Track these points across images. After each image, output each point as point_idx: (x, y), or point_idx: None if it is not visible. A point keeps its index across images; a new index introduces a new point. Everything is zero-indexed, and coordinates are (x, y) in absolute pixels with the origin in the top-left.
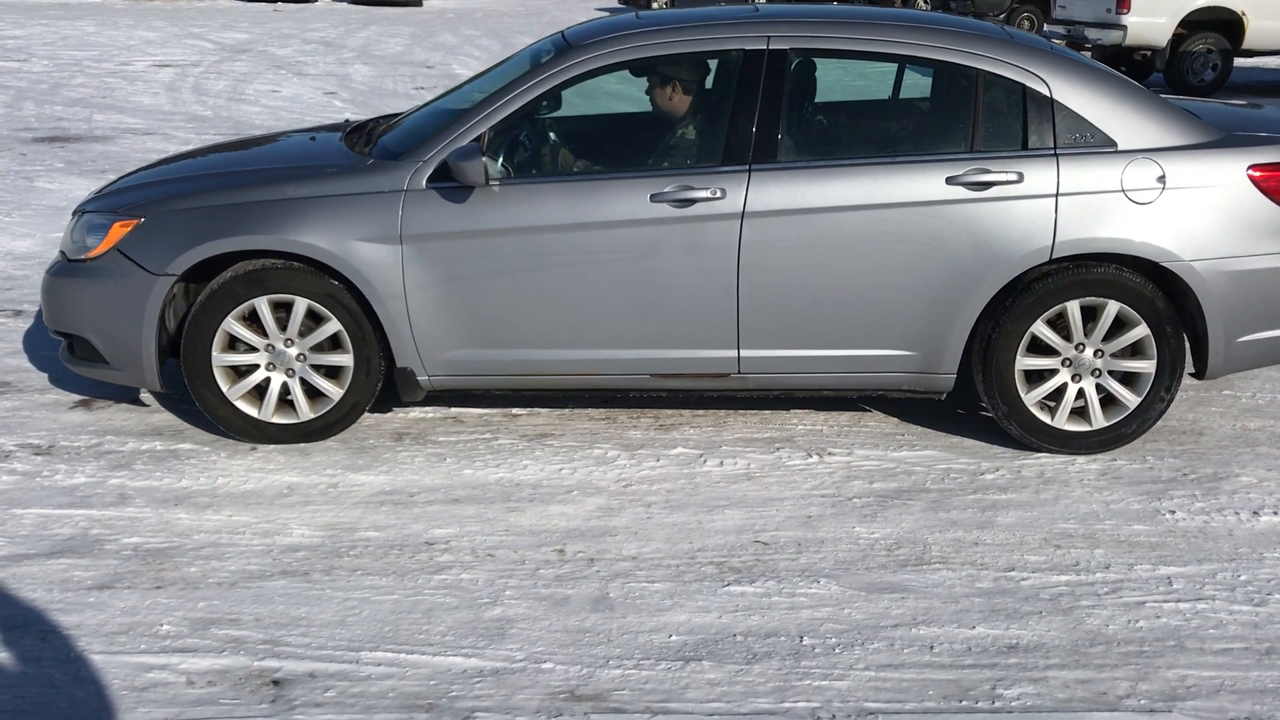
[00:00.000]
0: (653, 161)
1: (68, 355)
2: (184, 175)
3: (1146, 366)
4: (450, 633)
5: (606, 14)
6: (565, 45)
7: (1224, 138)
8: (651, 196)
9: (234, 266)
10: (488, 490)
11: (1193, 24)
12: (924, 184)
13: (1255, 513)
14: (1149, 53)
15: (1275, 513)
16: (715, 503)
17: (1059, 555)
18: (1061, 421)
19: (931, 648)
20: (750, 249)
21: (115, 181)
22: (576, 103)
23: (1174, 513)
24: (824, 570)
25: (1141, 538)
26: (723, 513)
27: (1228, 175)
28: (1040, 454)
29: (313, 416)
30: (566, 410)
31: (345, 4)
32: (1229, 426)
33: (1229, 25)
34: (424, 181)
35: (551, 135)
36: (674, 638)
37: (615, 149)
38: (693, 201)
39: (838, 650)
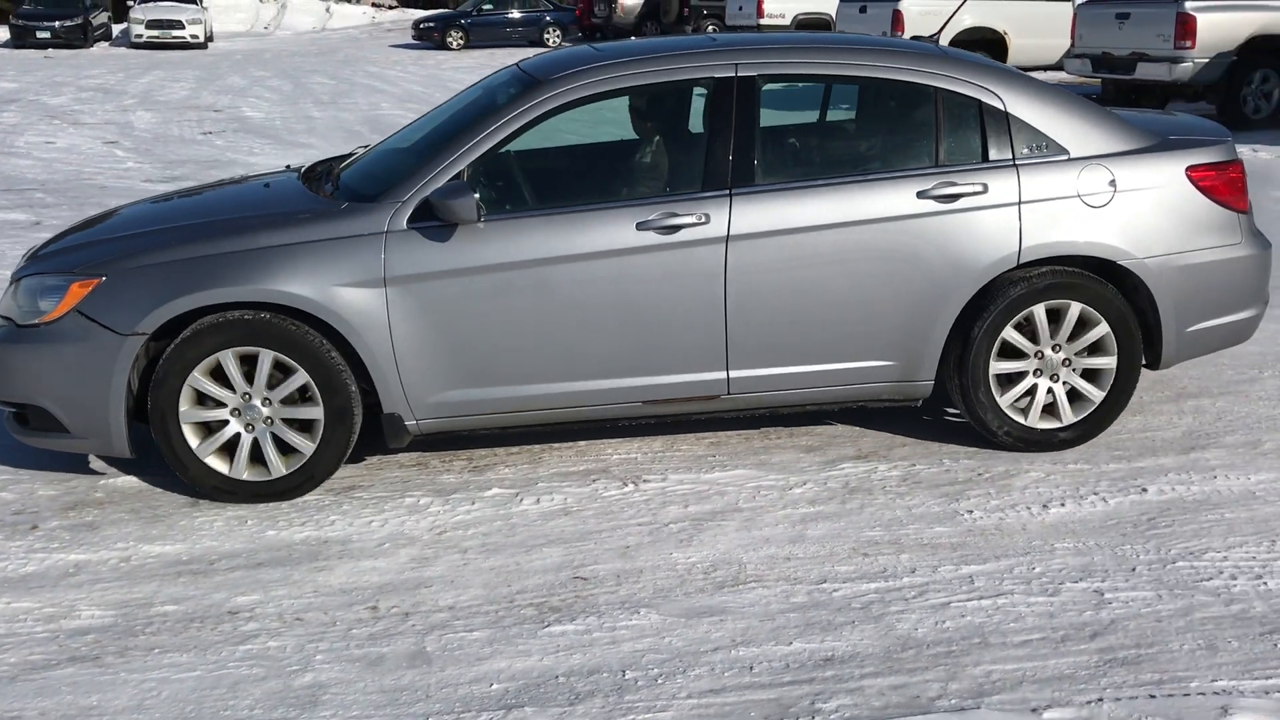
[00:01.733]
0: (634, 190)
1: (18, 427)
2: (137, 230)
3: (1108, 362)
4: (259, 705)
5: (403, 51)
6: (533, 79)
7: (1161, 142)
8: (637, 225)
9: (201, 320)
10: (293, 550)
11: (961, 44)
12: (896, 199)
13: (1045, 506)
14: None
15: (1063, 504)
16: (533, 542)
17: (867, 563)
18: (1035, 420)
19: (751, 668)
20: (736, 271)
21: (53, 241)
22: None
23: (972, 512)
24: (644, 600)
25: (943, 539)
26: (541, 551)
27: (1169, 177)
28: (844, 465)
29: (286, 473)
30: (375, 459)
31: (124, 48)
32: None
33: (994, 44)
34: (404, 222)
35: (528, 169)
36: (495, 686)
37: (594, 180)
38: (678, 228)
39: (660, 680)
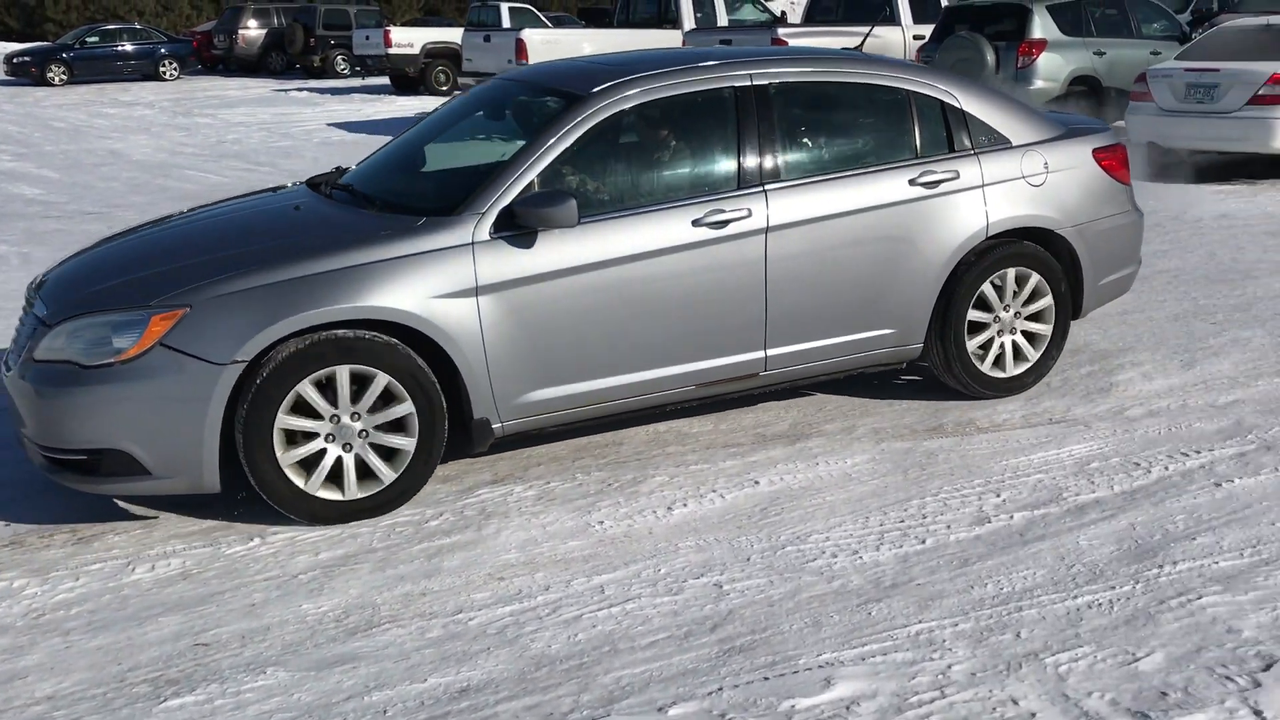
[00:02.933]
0: (681, 190)
1: (82, 476)
2: (188, 260)
3: (1045, 329)
4: None
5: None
6: (575, 95)
7: (1068, 130)
8: (693, 221)
9: (291, 343)
10: None
11: None
12: (894, 187)
13: (669, 508)
14: None
15: (685, 504)
16: (148, 613)
17: (503, 587)
18: (987, 368)
19: (385, 712)
20: (774, 258)
21: (69, 280)
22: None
23: (603, 523)
24: (271, 658)
25: (576, 553)
26: (156, 622)
27: (1082, 158)
28: (480, 490)
29: (360, 496)
30: None
31: None
32: (643, 433)
33: None
34: (487, 233)
35: (585, 176)
36: None
37: (646, 183)
38: (727, 222)
39: None
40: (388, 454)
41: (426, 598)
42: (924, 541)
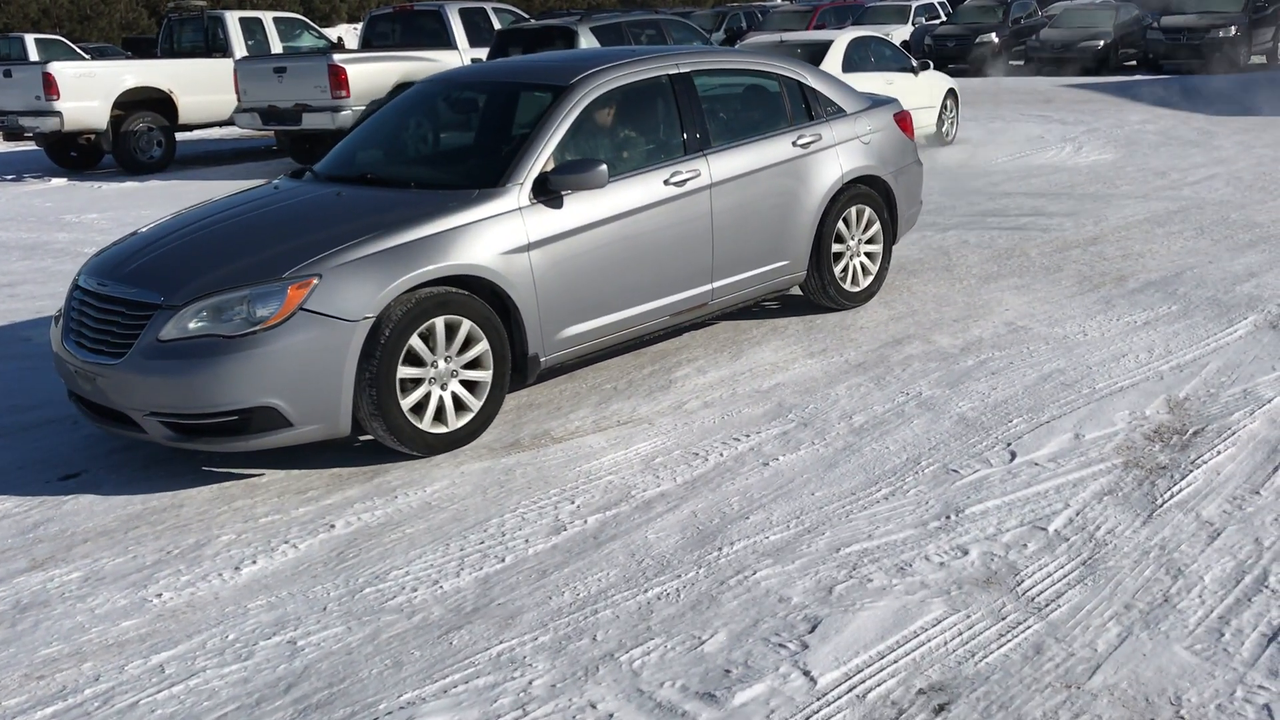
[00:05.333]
0: (647, 156)
1: (225, 438)
2: (284, 243)
3: (878, 250)
4: None
5: None
6: (559, 86)
7: (875, 102)
8: (664, 181)
9: (402, 299)
10: None
11: (128, 104)
12: (784, 148)
13: (237, 568)
14: (94, 135)
15: (255, 561)
16: None
17: (43, 686)
18: (849, 286)
19: None
20: (716, 209)
21: (168, 267)
22: None
23: (161, 595)
24: None
25: (131, 633)
26: None
27: (888, 121)
28: (15, 580)
29: (460, 425)
30: None
31: None
32: (208, 491)
33: (162, 103)
34: (527, 198)
35: (581, 149)
36: None
37: (625, 152)
38: (685, 181)
39: None
40: (470, 387)
41: None
42: (504, 560)
